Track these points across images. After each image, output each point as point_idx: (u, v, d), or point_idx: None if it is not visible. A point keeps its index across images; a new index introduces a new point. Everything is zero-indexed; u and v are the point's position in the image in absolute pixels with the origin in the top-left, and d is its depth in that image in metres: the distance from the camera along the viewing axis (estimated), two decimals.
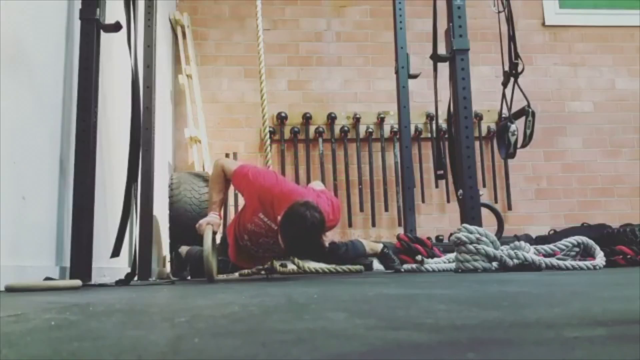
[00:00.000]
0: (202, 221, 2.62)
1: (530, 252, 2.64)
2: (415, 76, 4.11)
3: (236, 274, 3.76)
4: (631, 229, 3.51)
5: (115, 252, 2.51)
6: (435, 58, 3.21)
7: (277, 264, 3.74)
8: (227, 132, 5.02)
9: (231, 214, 4.54)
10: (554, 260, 2.67)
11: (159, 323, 0.83)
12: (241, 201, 3.10)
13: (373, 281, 2.13)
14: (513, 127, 3.17)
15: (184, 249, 3.41)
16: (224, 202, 2.84)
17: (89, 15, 2.52)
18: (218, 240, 2.83)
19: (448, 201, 4.97)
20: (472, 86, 3.00)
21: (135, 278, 2.69)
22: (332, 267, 3.71)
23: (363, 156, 5.03)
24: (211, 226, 2.56)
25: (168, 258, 4.02)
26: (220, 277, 3.51)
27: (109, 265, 2.73)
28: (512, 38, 3.27)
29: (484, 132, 5.14)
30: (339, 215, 2.82)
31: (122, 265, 2.97)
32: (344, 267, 3.76)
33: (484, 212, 3.01)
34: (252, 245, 2.66)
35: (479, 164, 4.73)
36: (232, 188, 4.31)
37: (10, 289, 1.76)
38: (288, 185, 2.70)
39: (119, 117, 3.13)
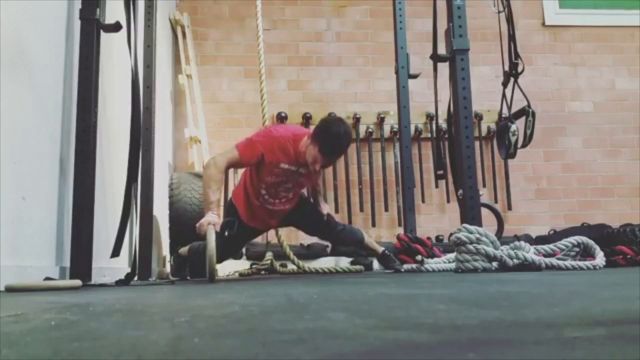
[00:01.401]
0: (203, 221, 2.57)
1: (530, 252, 2.64)
2: (415, 76, 4.10)
3: (236, 274, 3.76)
4: (631, 229, 3.51)
5: (115, 252, 2.51)
6: (435, 58, 3.21)
7: (277, 264, 3.75)
8: (227, 132, 5.02)
9: None
10: (554, 260, 2.67)
11: (159, 323, 0.83)
12: None
13: (373, 281, 2.13)
14: (513, 127, 3.17)
15: (183, 250, 3.41)
16: (220, 202, 2.83)
17: (89, 15, 2.52)
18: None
19: (448, 201, 4.97)
20: (472, 86, 2.99)
21: (135, 278, 2.69)
22: (332, 267, 3.71)
23: (363, 156, 5.03)
24: (213, 226, 2.54)
25: (168, 258, 4.02)
26: (221, 275, 3.51)
27: (109, 265, 2.73)
28: (512, 38, 3.27)
29: (484, 132, 5.14)
30: None
31: (122, 265, 2.97)
32: (344, 267, 3.76)
33: (484, 212, 3.01)
34: (269, 198, 2.94)
35: (479, 164, 4.72)
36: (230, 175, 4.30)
37: (10, 289, 1.76)
38: (294, 126, 3.16)
39: (119, 117, 3.13)
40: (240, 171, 3.27)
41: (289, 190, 2.96)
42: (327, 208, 3.25)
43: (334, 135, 2.69)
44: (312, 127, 4.93)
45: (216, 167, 2.70)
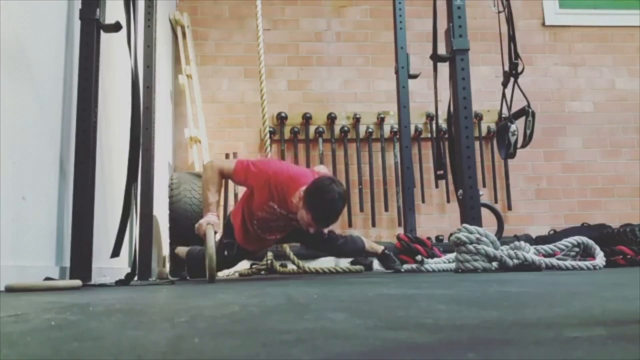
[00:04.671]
0: (202, 221, 2.58)
1: (530, 252, 2.64)
2: (415, 76, 4.11)
3: (236, 274, 3.76)
4: (631, 229, 3.51)
5: (115, 252, 2.51)
6: (435, 58, 3.21)
7: (277, 264, 3.74)
8: (227, 132, 5.02)
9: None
10: (554, 260, 2.67)
11: (159, 323, 0.83)
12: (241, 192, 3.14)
13: (373, 281, 2.13)
14: (513, 127, 3.16)
15: (180, 250, 3.40)
16: (219, 203, 2.83)
17: (89, 15, 2.52)
18: (221, 229, 2.85)
19: (448, 201, 4.97)
20: (472, 86, 2.99)
21: (135, 278, 2.69)
22: (332, 267, 3.71)
23: (363, 156, 5.03)
24: (212, 226, 2.54)
25: (168, 258, 4.02)
26: (221, 276, 3.51)
27: (109, 265, 2.73)
28: (512, 38, 3.27)
29: (484, 132, 5.14)
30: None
31: (122, 265, 2.97)
32: (344, 267, 3.76)
33: (484, 212, 3.01)
34: (260, 230, 2.85)
35: (479, 164, 4.73)
36: (230, 187, 4.30)
37: (10, 289, 1.76)
38: (294, 168, 2.83)
39: (119, 117, 3.13)
40: (241, 189, 3.23)
41: (281, 228, 2.85)
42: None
43: (327, 202, 2.49)
44: (312, 127, 4.99)
45: (212, 170, 2.72)
